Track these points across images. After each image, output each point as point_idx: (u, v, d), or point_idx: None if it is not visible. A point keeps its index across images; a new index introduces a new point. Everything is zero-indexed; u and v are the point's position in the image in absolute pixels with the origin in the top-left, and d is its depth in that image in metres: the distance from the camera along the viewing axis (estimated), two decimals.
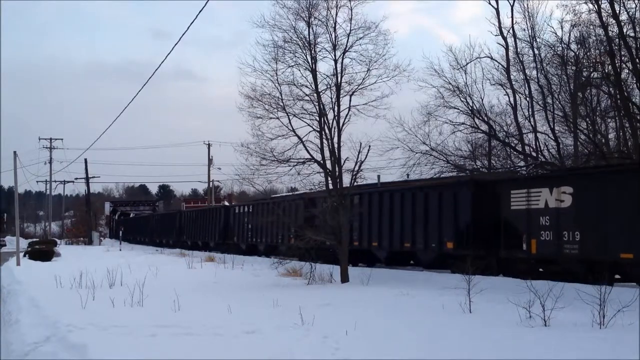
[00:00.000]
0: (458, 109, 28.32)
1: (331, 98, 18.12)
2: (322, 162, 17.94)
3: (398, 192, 21.29)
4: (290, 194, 32.49)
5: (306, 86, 18.05)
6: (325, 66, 18.75)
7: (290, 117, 17.89)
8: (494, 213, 17.22)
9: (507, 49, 28.50)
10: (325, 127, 17.89)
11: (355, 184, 18.96)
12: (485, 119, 28.54)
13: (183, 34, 25.06)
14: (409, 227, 20.03)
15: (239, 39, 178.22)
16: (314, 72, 17.91)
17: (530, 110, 28.25)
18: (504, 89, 28.95)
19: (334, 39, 17.85)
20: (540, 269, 16.21)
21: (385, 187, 25.77)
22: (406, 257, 21.67)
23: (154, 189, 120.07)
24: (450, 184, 21.12)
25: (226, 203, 65.13)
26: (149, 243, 52.97)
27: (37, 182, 78.06)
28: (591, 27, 25.46)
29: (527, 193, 16.35)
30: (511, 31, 28.50)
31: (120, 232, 58.47)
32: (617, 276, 14.80)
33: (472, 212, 17.75)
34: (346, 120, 18.01)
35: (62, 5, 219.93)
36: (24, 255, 33.50)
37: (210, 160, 61.42)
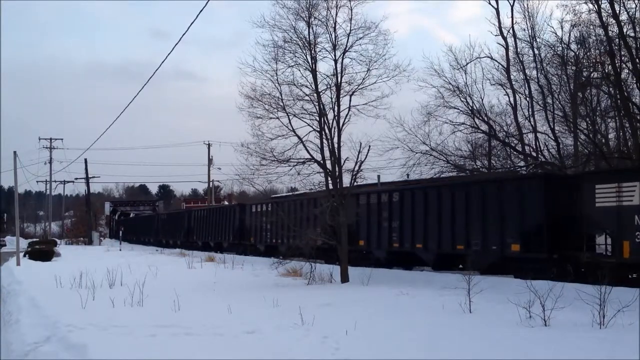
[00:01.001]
0: (458, 109, 28.31)
1: (331, 98, 18.14)
2: (322, 162, 17.94)
3: (448, 187, 19.55)
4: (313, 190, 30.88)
5: (306, 86, 18.07)
6: (325, 66, 18.79)
7: (290, 117, 17.91)
8: (571, 211, 15.29)
9: (507, 49, 28.49)
10: (325, 127, 17.89)
11: (355, 184, 18.95)
12: (485, 119, 28.51)
13: (183, 34, 25.10)
14: (462, 227, 18.13)
15: (239, 39, 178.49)
16: (314, 72, 17.91)
17: (530, 110, 28.24)
18: (504, 89, 28.95)
19: (334, 39, 17.87)
20: (632, 275, 14.17)
21: (433, 182, 24.50)
22: (457, 260, 19.33)
23: (154, 189, 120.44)
24: (516, 177, 19.04)
25: (226, 203, 65.25)
26: (153, 243, 51.77)
27: (37, 182, 78.26)
28: (591, 27, 25.44)
29: (617, 188, 14.35)
30: (511, 31, 28.50)
31: (120, 232, 58.43)
32: None
33: (545, 209, 15.76)
34: (346, 120, 18.04)
35: (62, 5, 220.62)
36: (24, 255, 33.50)
37: (210, 160, 61.42)
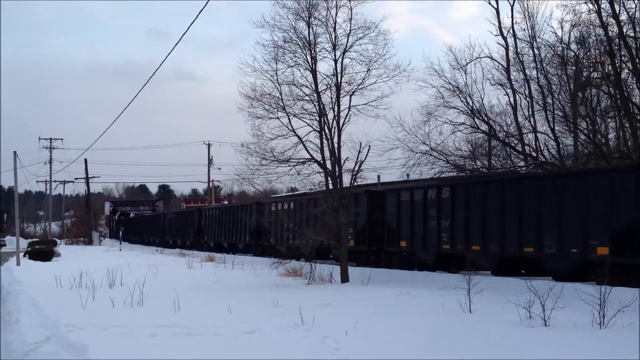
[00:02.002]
0: (458, 109, 28.30)
1: (331, 98, 18.15)
2: (322, 162, 17.94)
3: (513, 182, 17.69)
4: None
5: (306, 86, 18.08)
6: (325, 66, 18.80)
7: (290, 117, 17.92)
8: None
9: (507, 49, 28.49)
10: (325, 127, 17.90)
11: (355, 184, 18.94)
12: (485, 119, 28.51)
13: (183, 35, 25.12)
14: (531, 226, 16.01)
15: (239, 39, 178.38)
16: (314, 72, 17.92)
17: (530, 110, 28.25)
18: (504, 89, 28.96)
19: (334, 39, 17.87)
20: None
21: (495, 175, 22.96)
22: (523, 264, 17.01)
23: (154, 189, 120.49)
24: (605, 170, 17.10)
25: (226, 202, 65.24)
26: (159, 244, 49.88)
27: (37, 182, 78.25)
28: (591, 27, 25.45)
29: None
30: (511, 31, 28.50)
31: (120, 232, 58.37)
32: None
33: None
34: (346, 120, 18.05)
35: (62, 5, 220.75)
36: (24, 255, 33.51)
37: (210, 160, 61.41)
